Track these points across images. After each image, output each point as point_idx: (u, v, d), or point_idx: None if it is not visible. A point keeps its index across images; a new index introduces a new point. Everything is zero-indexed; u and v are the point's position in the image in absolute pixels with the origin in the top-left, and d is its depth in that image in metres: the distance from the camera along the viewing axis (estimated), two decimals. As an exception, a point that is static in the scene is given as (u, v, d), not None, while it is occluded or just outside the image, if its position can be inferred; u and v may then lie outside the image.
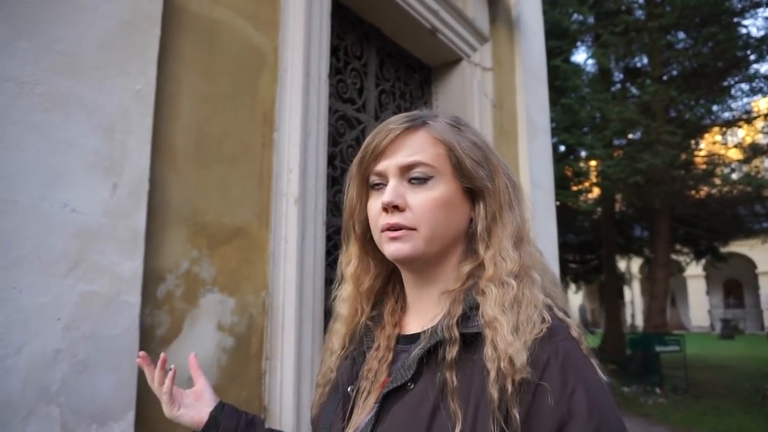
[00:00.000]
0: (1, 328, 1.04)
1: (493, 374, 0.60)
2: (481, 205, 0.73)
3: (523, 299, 0.66)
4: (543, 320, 0.64)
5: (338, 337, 0.83)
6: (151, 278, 1.36)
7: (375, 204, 0.74)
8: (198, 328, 1.49)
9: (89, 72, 1.25)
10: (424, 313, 0.75)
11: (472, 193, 0.74)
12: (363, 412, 0.72)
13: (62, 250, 1.15)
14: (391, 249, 0.71)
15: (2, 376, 1.03)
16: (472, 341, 0.66)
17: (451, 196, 0.72)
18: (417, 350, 0.68)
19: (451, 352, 0.64)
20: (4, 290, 1.05)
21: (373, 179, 0.76)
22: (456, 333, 0.65)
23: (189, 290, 1.48)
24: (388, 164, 0.73)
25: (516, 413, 0.58)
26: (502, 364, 0.60)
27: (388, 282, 0.84)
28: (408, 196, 0.71)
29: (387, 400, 0.68)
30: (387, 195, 0.71)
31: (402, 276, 0.80)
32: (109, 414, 1.20)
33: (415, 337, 0.73)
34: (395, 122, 0.74)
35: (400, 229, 0.70)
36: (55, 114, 1.17)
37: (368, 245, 0.81)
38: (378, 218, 0.73)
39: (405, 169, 0.72)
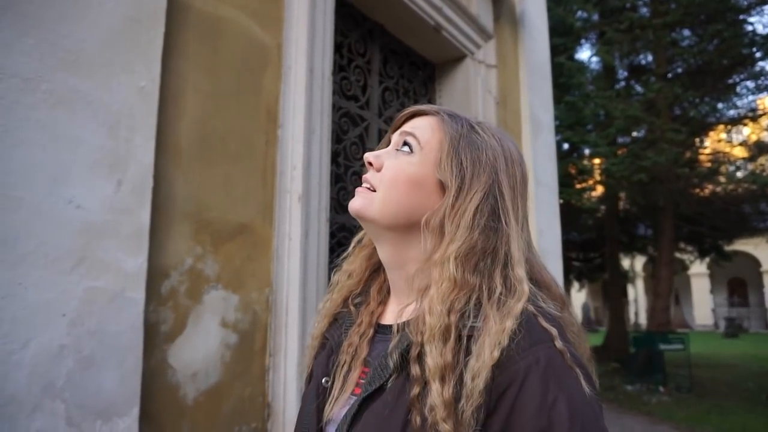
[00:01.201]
0: (7, 324, 1.04)
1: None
2: (441, 202, 0.70)
3: (471, 362, 0.59)
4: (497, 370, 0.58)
5: (332, 301, 0.84)
6: (155, 275, 1.37)
7: None
8: (202, 324, 1.50)
9: (94, 69, 1.25)
10: (399, 300, 0.76)
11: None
12: (345, 394, 0.72)
13: (67, 247, 1.15)
14: (350, 201, 0.75)
15: (8, 371, 1.03)
16: None
17: (421, 177, 0.71)
18: (390, 351, 0.66)
19: (415, 390, 0.61)
20: (10, 286, 1.06)
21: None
22: (417, 371, 0.62)
23: (193, 287, 1.49)
24: (396, 134, 0.78)
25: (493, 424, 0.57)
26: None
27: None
28: (387, 160, 0.74)
29: (363, 399, 0.67)
30: (369, 152, 0.76)
31: None
32: (114, 409, 1.20)
33: (390, 328, 0.72)
34: (419, 105, 0.78)
35: (369, 189, 0.73)
36: (60, 111, 1.17)
37: None
38: None
39: (401, 137, 0.75)
